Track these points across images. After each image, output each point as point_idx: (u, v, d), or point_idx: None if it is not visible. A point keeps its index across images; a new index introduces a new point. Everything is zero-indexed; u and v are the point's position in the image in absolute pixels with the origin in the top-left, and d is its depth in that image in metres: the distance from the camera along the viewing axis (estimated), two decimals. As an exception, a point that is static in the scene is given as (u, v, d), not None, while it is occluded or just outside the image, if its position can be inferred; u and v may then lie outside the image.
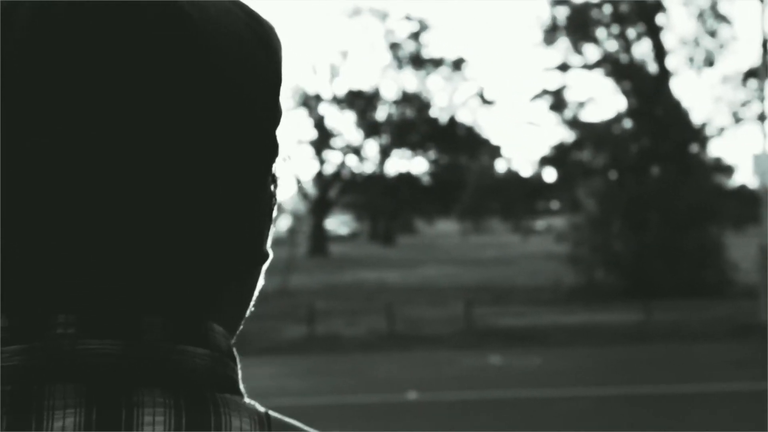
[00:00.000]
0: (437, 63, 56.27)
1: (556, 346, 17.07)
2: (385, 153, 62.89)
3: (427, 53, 55.61)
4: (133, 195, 0.62)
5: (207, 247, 0.66)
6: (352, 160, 60.50)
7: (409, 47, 55.10)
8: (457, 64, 55.51)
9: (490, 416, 11.21)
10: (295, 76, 54.54)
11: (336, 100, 57.32)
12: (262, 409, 0.67)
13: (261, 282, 0.77)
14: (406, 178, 63.03)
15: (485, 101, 54.79)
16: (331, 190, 57.34)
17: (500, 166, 62.00)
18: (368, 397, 13.01)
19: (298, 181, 56.37)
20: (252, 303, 0.77)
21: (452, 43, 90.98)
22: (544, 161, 36.09)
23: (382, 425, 11.17)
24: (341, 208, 71.21)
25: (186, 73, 0.63)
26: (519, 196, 54.23)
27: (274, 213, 0.74)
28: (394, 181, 61.89)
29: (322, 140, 55.93)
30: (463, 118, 57.72)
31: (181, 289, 0.65)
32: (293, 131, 58.55)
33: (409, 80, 57.76)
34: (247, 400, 0.68)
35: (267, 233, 0.72)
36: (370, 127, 59.44)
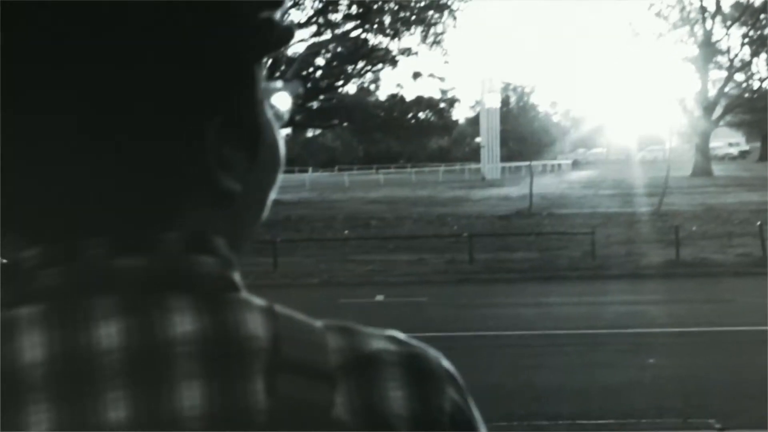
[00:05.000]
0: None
1: None
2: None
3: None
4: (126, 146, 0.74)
5: (189, 180, 0.77)
6: (739, 77, 57.55)
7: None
8: None
9: None
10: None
11: (722, 15, 54.50)
12: (264, 303, 0.76)
13: (256, 210, 0.86)
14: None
15: None
16: (717, 109, 54.81)
17: None
18: (728, 327, 12.45)
19: (681, 101, 54.45)
20: (253, 222, 0.86)
21: None
22: None
23: (738, 358, 10.68)
24: (728, 128, 68.00)
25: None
26: None
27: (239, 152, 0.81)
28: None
29: (707, 57, 53.45)
30: None
31: (186, 210, 0.77)
32: (676, 48, 56.36)
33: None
34: (247, 295, 0.77)
35: (220, 171, 0.78)
36: (759, 42, 56.09)
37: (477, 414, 0.80)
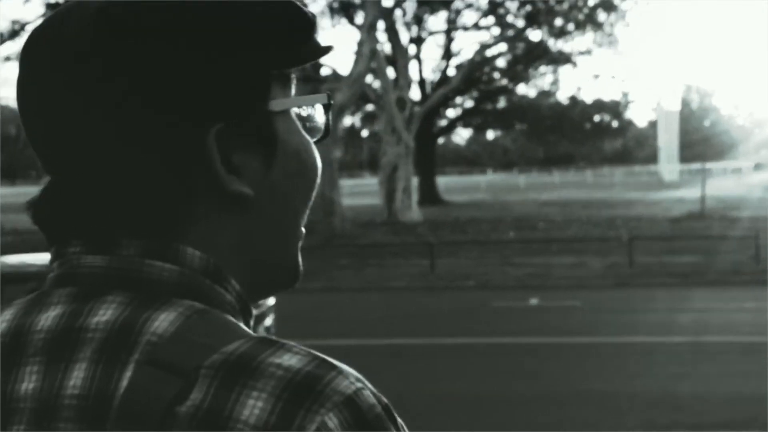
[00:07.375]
0: None
1: None
2: None
3: None
4: (103, 165, 0.84)
5: (160, 189, 0.84)
6: None
7: None
8: None
9: None
10: None
11: None
12: (201, 307, 0.82)
13: (280, 218, 0.91)
14: None
15: None
16: None
17: None
18: None
19: None
20: (278, 230, 0.91)
21: None
22: None
23: None
24: None
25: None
26: None
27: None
28: None
29: None
30: None
31: (151, 221, 0.84)
32: None
33: None
34: (191, 301, 0.82)
35: (218, 181, 0.85)
36: None
37: None
